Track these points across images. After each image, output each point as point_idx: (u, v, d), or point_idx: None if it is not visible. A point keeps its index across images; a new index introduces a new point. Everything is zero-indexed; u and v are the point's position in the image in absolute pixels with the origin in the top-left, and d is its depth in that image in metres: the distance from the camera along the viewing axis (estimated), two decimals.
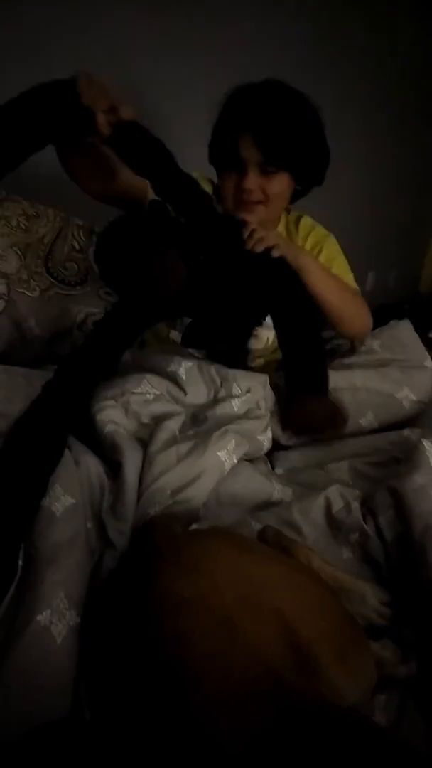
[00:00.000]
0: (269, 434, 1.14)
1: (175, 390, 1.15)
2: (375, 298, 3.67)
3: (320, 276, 1.21)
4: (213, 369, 1.17)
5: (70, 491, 0.83)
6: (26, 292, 1.61)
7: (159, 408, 1.09)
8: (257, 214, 1.25)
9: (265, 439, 1.13)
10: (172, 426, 1.04)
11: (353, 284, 1.39)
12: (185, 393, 1.14)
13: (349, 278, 1.38)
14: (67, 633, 0.67)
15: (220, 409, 1.11)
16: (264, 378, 1.21)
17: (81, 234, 1.76)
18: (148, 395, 1.11)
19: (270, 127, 1.16)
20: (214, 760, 0.51)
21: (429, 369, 1.30)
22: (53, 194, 1.79)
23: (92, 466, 0.94)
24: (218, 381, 1.16)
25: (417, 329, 1.43)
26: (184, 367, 1.17)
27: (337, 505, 0.90)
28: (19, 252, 1.62)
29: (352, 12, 2.71)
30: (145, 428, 1.05)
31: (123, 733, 0.55)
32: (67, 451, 0.90)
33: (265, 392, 1.19)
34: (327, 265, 1.33)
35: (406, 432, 1.11)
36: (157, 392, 1.12)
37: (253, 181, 1.21)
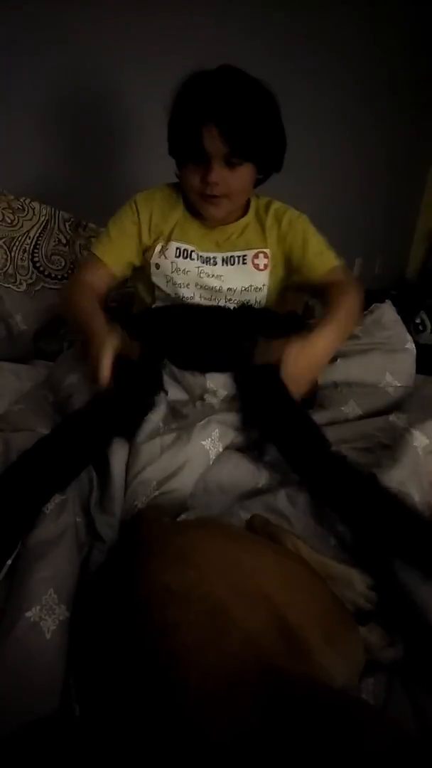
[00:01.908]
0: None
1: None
2: (363, 285, 3.68)
3: (342, 335, 1.20)
4: (186, 373, 1.20)
5: None
6: (12, 287, 1.60)
7: None
8: (222, 207, 1.25)
9: (250, 433, 1.13)
10: (155, 418, 1.04)
11: (333, 259, 1.36)
12: (165, 393, 1.16)
13: (328, 254, 1.36)
14: (57, 628, 0.68)
15: (200, 406, 1.12)
16: (232, 375, 1.21)
17: (67, 227, 1.76)
18: None
19: (235, 118, 1.12)
20: (206, 751, 0.51)
21: (410, 351, 1.31)
22: (39, 188, 1.79)
23: None
24: (192, 379, 1.18)
25: (403, 315, 1.43)
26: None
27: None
28: (4, 246, 1.61)
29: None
30: None
31: (113, 729, 0.55)
32: None
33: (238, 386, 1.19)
34: (303, 244, 1.33)
35: (392, 417, 1.12)
36: None
37: (218, 174, 1.17)
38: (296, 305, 1.74)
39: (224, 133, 1.12)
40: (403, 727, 0.67)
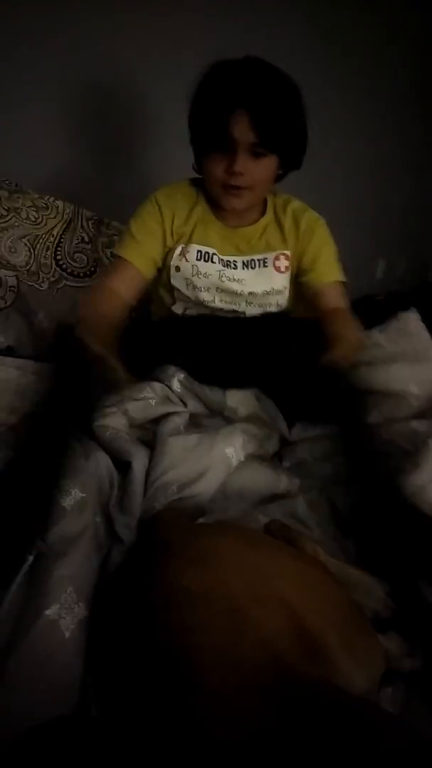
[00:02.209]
0: (274, 441, 1.16)
1: (175, 399, 1.17)
2: (385, 286, 3.64)
3: None
4: (206, 389, 1.21)
5: (79, 486, 0.84)
6: (36, 284, 1.62)
7: (160, 410, 1.10)
8: (245, 199, 1.23)
9: (270, 447, 1.14)
10: (177, 421, 1.05)
11: (338, 273, 1.36)
12: (185, 405, 1.17)
13: (336, 267, 1.35)
14: (76, 627, 0.68)
15: (221, 420, 1.14)
16: (254, 391, 1.22)
17: (90, 226, 1.77)
18: (151, 401, 1.12)
19: (265, 106, 1.11)
20: (222, 752, 0.51)
21: None
22: (62, 186, 1.80)
23: (102, 460, 0.95)
24: (210, 395, 1.20)
25: (426, 318, 1.41)
26: (177, 381, 1.20)
27: (343, 500, 0.90)
28: (28, 244, 1.63)
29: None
30: (144, 431, 1.07)
31: (130, 729, 0.56)
32: (77, 446, 0.91)
33: (261, 401, 1.21)
34: (316, 251, 1.33)
35: (414, 424, 1.10)
36: (159, 398, 1.14)
37: (243, 163, 1.15)
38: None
39: (254, 121, 1.11)
40: (419, 733, 0.66)
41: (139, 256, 1.28)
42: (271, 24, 2.30)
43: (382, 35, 2.97)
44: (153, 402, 1.12)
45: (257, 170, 1.18)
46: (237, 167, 1.15)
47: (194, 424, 1.12)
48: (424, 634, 0.76)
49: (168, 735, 0.53)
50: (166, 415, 1.07)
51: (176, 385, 1.18)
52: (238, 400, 1.18)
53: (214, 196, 1.25)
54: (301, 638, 0.60)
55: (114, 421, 1.05)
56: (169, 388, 1.18)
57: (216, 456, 0.98)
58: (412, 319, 1.36)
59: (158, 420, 1.08)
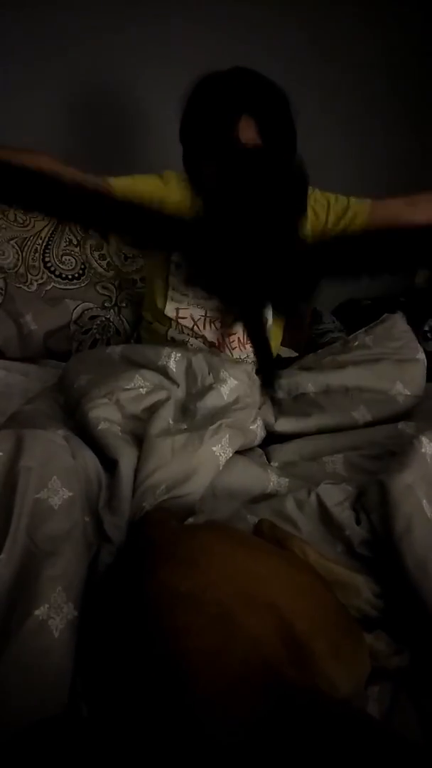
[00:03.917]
0: (260, 422, 1.16)
1: (167, 383, 1.16)
2: (370, 291, 3.66)
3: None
4: (201, 356, 1.19)
5: (67, 484, 0.83)
6: (24, 286, 1.61)
7: (151, 399, 1.10)
8: None
9: (257, 429, 1.15)
10: (165, 415, 1.05)
11: (360, 200, 1.40)
12: (177, 385, 1.16)
13: (354, 200, 1.39)
14: (65, 627, 0.68)
15: (210, 399, 1.12)
16: (249, 367, 1.23)
17: (79, 228, 1.77)
18: (141, 389, 1.12)
19: (269, 112, 1.17)
20: (210, 753, 0.51)
21: (421, 361, 1.31)
22: None
23: (89, 460, 0.95)
24: (206, 368, 1.18)
25: (412, 322, 1.42)
26: (173, 359, 1.18)
27: (332, 500, 0.90)
28: (16, 246, 1.63)
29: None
30: (139, 422, 1.06)
31: (120, 729, 0.56)
32: (64, 443, 0.91)
33: (251, 380, 1.20)
34: (331, 215, 1.36)
35: (401, 425, 1.11)
36: (150, 385, 1.13)
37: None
38: (301, 339, 1.76)
39: (261, 126, 1.17)
40: (405, 736, 0.67)
41: (122, 185, 1.29)
42: (269, 31, 2.32)
43: (379, 40, 2.99)
44: (144, 391, 1.12)
45: None
46: None
47: (184, 411, 1.12)
48: (410, 629, 0.76)
49: (159, 736, 0.53)
50: (155, 410, 1.07)
51: (173, 364, 1.18)
52: (233, 370, 1.18)
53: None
54: (288, 642, 0.60)
55: (107, 411, 1.05)
56: (165, 368, 1.17)
57: (203, 455, 0.98)
58: (397, 321, 1.37)
59: (149, 408, 1.08)
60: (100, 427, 1.01)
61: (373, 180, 3.43)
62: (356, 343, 1.34)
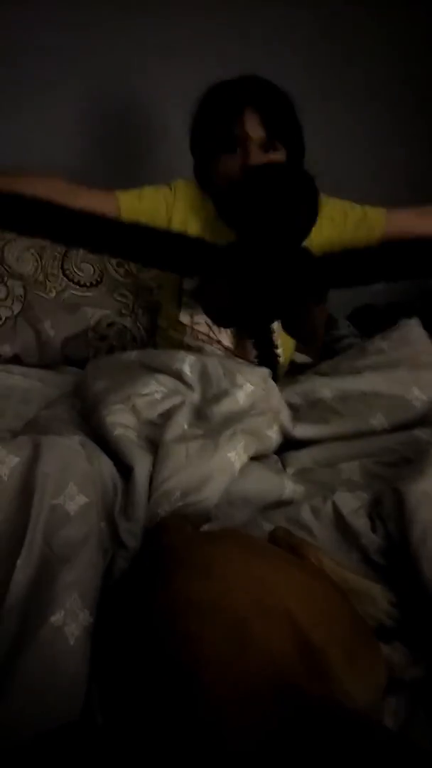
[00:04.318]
0: (276, 428, 1.15)
1: (183, 388, 1.16)
2: (386, 296, 3.63)
3: None
4: (216, 361, 1.19)
5: (84, 490, 0.84)
6: (42, 294, 1.63)
7: (167, 405, 1.10)
8: None
9: (274, 434, 1.14)
10: (180, 421, 1.05)
11: (376, 210, 1.41)
12: (192, 389, 1.16)
13: (370, 210, 1.40)
14: (80, 634, 0.68)
15: (226, 405, 1.11)
16: (266, 372, 1.22)
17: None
18: (156, 394, 1.12)
19: (272, 104, 1.21)
20: (225, 764, 0.51)
21: None
22: None
23: (105, 466, 0.96)
24: (222, 373, 1.17)
25: (428, 328, 1.42)
26: (188, 363, 1.18)
27: (348, 508, 0.90)
28: (35, 254, 1.64)
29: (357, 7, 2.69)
30: (155, 427, 1.06)
31: (134, 738, 0.56)
32: (81, 449, 0.91)
33: (268, 386, 1.20)
34: (343, 218, 1.38)
35: (416, 432, 1.10)
36: (166, 390, 1.14)
37: (257, 157, 1.21)
38: (321, 318, 1.74)
39: (263, 117, 1.19)
40: (421, 748, 0.66)
41: (129, 201, 1.31)
42: (283, 36, 2.33)
43: (388, 51, 2.98)
44: (159, 396, 1.12)
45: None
46: (252, 160, 1.21)
47: (199, 416, 1.12)
48: (428, 640, 0.75)
49: (173, 746, 0.53)
50: (171, 415, 1.07)
51: (187, 368, 1.18)
52: (249, 376, 1.18)
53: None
54: (303, 652, 0.60)
55: (123, 417, 1.05)
56: (180, 372, 1.18)
57: (219, 461, 0.98)
58: (413, 327, 1.37)
59: (165, 413, 1.08)
60: (116, 433, 1.01)
61: (390, 189, 3.43)
62: (372, 349, 1.34)
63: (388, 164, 3.38)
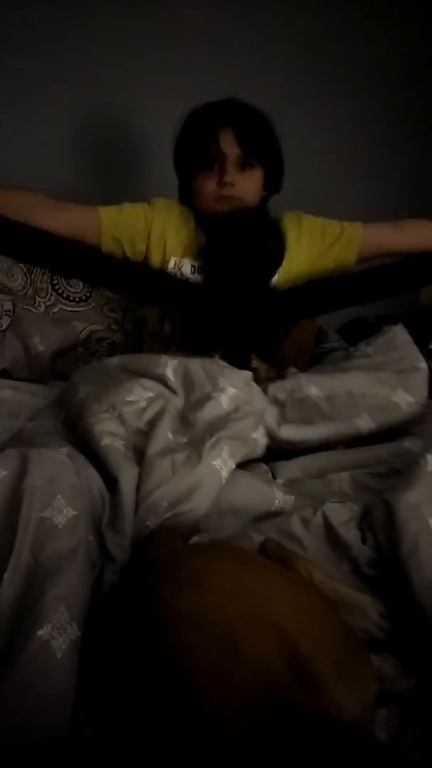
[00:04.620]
0: (262, 430, 1.14)
1: (166, 392, 1.16)
2: (376, 310, 3.65)
3: None
4: (198, 364, 1.20)
5: (72, 503, 0.83)
6: (31, 308, 1.63)
7: (151, 412, 1.10)
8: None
9: (259, 437, 1.13)
10: (164, 431, 1.04)
11: (352, 225, 1.44)
12: (176, 394, 1.16)
13: (347, 225, 1.44)
14: (68, 647, 0.67)
15: (209, 410, 1.11)
16: (249, 375, 1.23)
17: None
18: (141, 402, 1.11)
19: (248, 123, 1.26)
20: None
21: (422, 370, 1.31)
22: None
23: (93, 479, 0.95)
24: (204, 376, 1.18)
25: (417, 341, 1.43)
26: (171, 368, 1.19)
27: (338, 519, 0.90)
28: (24, 269, 1.64)
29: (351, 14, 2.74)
30: (142, 435, 1.06)
31: (123, 751, 0.55)
32: (68, 462, 0.91)
33: (251, 389, 1.20)
34: (321, 235, 1.41)
35: (407, 443, 1.11)
36: (151, 395, 1.13)
37: (232, 175, 1.27)
38: (310, 331, 1.76)
39: (238, 135, 1.25)
40: (411, 760, 0.66)
41: (109, 217, 1.35)
42: (275, 49, 2.36)
43: (383, 56, 3.02)
44: (144, 404, 1.11)
45: (245, 182, 1.30)
46: (227, 178, 1.27)
47: (183, 421, 1.11)
48: (418, 651, 0.75)
49: (163, 759, 0.53)
50: (154, 424, 1.06)
51: (170, 373, 1.18)
52: (232, 379, 1.18)
53: (208, 213, 1.33)
54: (293, 663, 0.60)
55: (110, 426, 1.05)
56: (163, 377, 1.18)
57: (204, 470, 0.97)
58: (398, 333, 1.39)
59: (151, 421, 1.08)
60: (103, 443, 1.00)
61: (385, 199, 3.47)
62: (358, 354, 1.36)
63: (386, 168, 3.43)
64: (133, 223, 1.36)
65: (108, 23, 1.90)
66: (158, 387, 1.16)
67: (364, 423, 1.18)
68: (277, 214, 1.41)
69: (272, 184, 1.38)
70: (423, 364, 1.33)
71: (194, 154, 1.30)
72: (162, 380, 1.17)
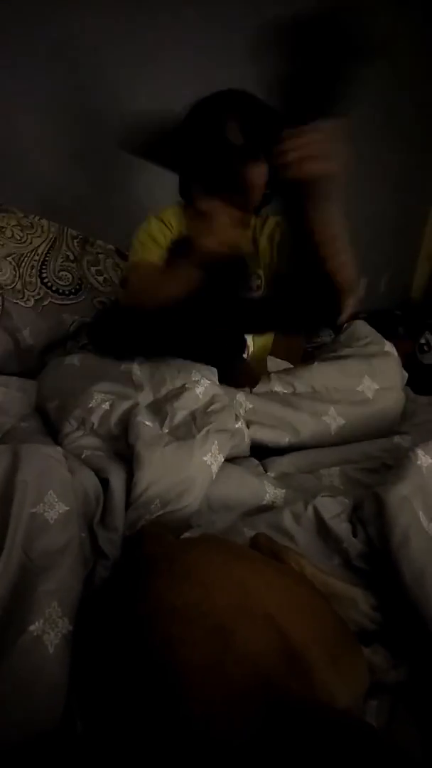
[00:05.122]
0: (242, 421, 1.15)
1: (130, 390, 1.15)
2: (366, 304, 3.67)
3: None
4: (167, 360, 1.21)
5: (63, 499, 0.83)
6: (20, 302, 1.62)
7: (118, 412, 1.09)
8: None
9: (242, 426, 1.14)
10: (140, 420, 1.04)
11: None
12: (142, 389, 1.16)
13: None
14: (60, 642, 0.67)
15: (185, 401, 1.11)
16: (214, 369, 1.23)
17: (75, 244, 1.78)
18: (104, 405, 1.11)
19: (253, 112, 1.21)
20: (209, 766, 0.51)
21: (391, 354, 1.33)
22: (47, 205, 1.81)
23: (88, 477, 0.95)
24: (174, 369, 1.18)
25: (408, 335, 1.45)
26: (137, 362, 1.19)
27: (329, 512, 0.90)
28: (13, 262, 1.63)
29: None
30: (117, 440, 1.06)
31: (115, 745, 0.55)
32: (62, 458, 0.91)
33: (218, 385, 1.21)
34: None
35: (396, 439, 1.12)
36: (112, 397, 1.12)
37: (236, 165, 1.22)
38: (297, 352, 1.77)
39: (243, 125, 1.20)
40: (404, 749, 0.66)
41: (154, 256, 1.32)
42: (267, 60, 2.34)
43: (375, 77, 3.02)
44: (107, 405, 1.11)
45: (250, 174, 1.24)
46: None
47: (157, 413, 1.10)
48: (408, 642, 0.76)
49: (155, 751, 0.53)
50: (128, 420, 1.06)
51: (136, 368, 1.19)
52: (203, 372, 1.19)
53: None
54: (285, 655, 0.60)
55: (84, 441, 1.05)
56: (130, 371, 1.18)
57: (195, 467, 0.97)
58: (360, 326, 1.42)
59: (121, 421, 1.07)
60: (83, 456, 1.01)
61: (373, 188, 3.49)
62: (325, 348, 1.39)
63: (379, 167, 3.45)
64: (159, 247, 1.34)
65: (108, 22, 1.88)
66: (118, 387, 1.16)
67: (332, 420, 1.19)
68: (276, 220, 1.41)
69: (274, 181, 1.31)
70: (390, 348, 1.35)
71: (218, 184, 1.26)
72: (127, 377, 1.17)
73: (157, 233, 1.36)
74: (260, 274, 1.38)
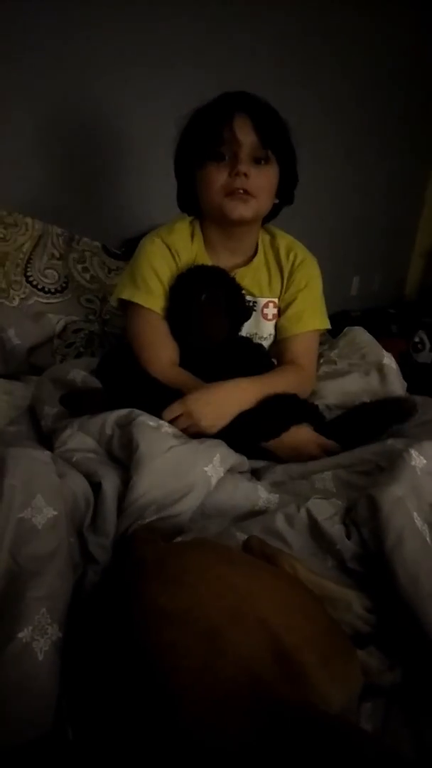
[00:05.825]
0: None
1: None
2: (360, 303, 3.69)
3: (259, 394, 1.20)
4: None
5: (51, 503, 0.82)
6: (5, 302, 1.60)
7: (116, 416, 1.08)
8: (251, 206, 1.22)
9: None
10: (145, 419, 1.04)
11: (320, 317, 1.38)
12: None
13: (316, 309, 1.38)
14: (49, 649, 0.66)
15: None
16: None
17: (61, 242, 1.76)
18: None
19: (264, 110, 1.18)
20: None
21: (389, 367, 1.35)
22: (32, 204, 1.79)
23: (78, 480, 0.94)
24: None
25: (402, 333, 1.46)
26: None
27: (322, 514, 0.89)
28: None
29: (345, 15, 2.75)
30: (112, 441, 1.05)
31: (107, 752, 0.54)
32: (50, 462, 0.89)
33: None
34: (299, 291, 1.36)
35: (390, 442, 1.11)
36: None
37: (247, 166, 1.17)
38: None
39: (255, 122, 1.16)
40: (398, 752, 0.66)
41: (157, 302, 1.28)
42: (263, 60, 2.35)
43: (371, 56, 3.04)
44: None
45: (260, 177, 1.20)
46: (242, 168, 1.17)
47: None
48: (403, 645, 0.75)
49: (147, 757, 0.52)
50: (125, 424, 1.05)
51: None
52: None
53: (218, 208, 1.23)
54: (278, 658, 0.59)
55: (76, 442, 1.04)
56: None
57: (195, 476, 0.97)
58: (359, 333, 1.44)
59: (122, 424, 1.06)
60: (75, 459, 1.00)
61: (367, 186, 3.50)
62: (323, 359, 1.40)
63: (373, 165, 3.46)
64: (162, 277, 1.28)
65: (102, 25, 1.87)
66: None
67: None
68: (288, 247, 1.37)
69: (286, 189, 1.30)
70: (389, 360, 1.36)
71: (205, 140, 1.19)
72: None
73: (161, 265, 1.28)
74: (276, 302, 1.37)
